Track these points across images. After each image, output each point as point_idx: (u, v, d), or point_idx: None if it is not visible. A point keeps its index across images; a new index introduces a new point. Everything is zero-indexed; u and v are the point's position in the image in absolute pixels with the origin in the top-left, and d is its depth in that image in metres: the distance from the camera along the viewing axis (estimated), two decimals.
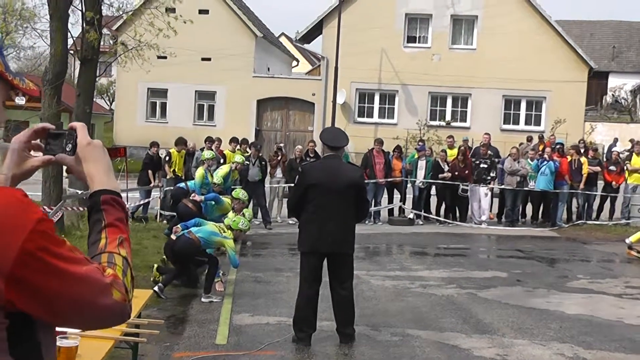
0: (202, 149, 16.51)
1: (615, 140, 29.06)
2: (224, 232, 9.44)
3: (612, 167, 18.11)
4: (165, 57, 21.61)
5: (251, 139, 26.20)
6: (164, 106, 33.96)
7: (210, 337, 7.63)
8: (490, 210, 18.04)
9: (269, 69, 36.03)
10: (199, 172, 12.76)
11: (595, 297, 10.06)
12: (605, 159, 21.06)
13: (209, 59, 32.34)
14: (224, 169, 13.92)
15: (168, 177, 16.44)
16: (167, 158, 16.58)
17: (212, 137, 17.33)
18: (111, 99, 48.13)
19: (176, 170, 16.48)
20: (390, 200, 18.00)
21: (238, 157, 15.44)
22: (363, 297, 9.49)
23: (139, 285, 7.29)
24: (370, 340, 7.63)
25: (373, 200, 17.24)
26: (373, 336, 7.80)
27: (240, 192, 11.23)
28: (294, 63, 45.25)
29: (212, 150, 15.38)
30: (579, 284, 10.92)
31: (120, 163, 16.13)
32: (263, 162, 16.63)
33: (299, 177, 7.65)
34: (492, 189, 17.77)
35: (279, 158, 17.69)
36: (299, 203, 7.48)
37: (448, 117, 32.45)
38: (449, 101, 32.62)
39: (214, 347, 7.27)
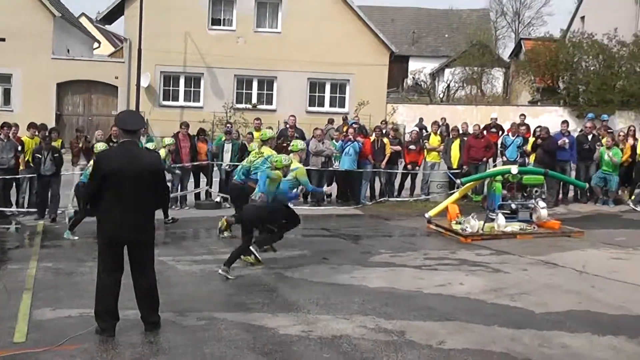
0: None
1: (421, 119, 30.47)
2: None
3: (411, 147, 18.97)
4: None
5: (51, 124, 24.92)
6: None
7: (7, 335, 7.19)
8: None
9: (68, 51, 34.48)
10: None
11: (397, 270, 10.49)
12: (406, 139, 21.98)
13: (3, 40, 30.44)
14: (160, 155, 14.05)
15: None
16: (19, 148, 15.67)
17: (10, 123, 16.27)
18: None
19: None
20: (197, 185, 17.84)
21: (168, 140, 15.96)
22: (169, 283, 9.34)
23: None
24: (176, 326, 7.51)
25: (179, 185, 17.03)
26: (179, 322, 7.68)
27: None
28: (96, 45, 43.57)
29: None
30: (382, 258, 11.35)
31: None
32: (56, 154, 15.51)
33: (94, 165, 7.41)
34: None
35: (80, 145, 16.98)
36: (94, 192, 7.20)
37: (254, 99, 32.66)
38: (255, 84, 32.84)
39: (12, 346, 6.86)
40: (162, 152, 15.37)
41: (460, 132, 19.72)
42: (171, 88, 32.41)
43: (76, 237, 12.94)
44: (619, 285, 9.61)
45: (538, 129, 18.97)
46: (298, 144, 12.26)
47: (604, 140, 18.29)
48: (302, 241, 13.23)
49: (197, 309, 8.21)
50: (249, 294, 8.94)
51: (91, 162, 12.53)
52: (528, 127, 20.62)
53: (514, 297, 8.86)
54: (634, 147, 18.44)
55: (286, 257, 11.38)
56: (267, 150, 12.42)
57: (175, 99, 32.41)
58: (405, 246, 12.56)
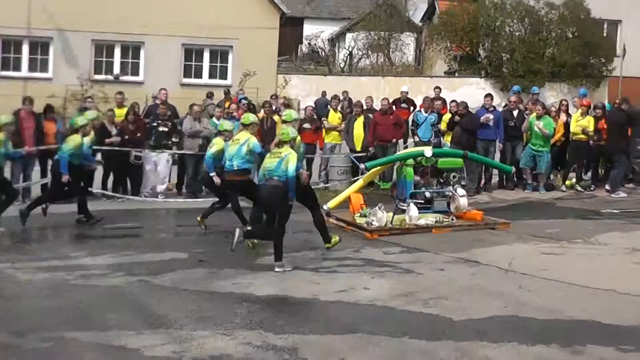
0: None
1: (324, 93, 30.56)
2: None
3: (306, 125, 18.89)
4: None
5: None
6: None
7: None
8: (169, 180, 18.06)
9: None
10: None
11: (289, 274, 10.44)
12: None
13: None
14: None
15: None
16: None
17: None
18: None
19: None
20: (44, 174, 17.24)
21: (5, 118, 14.80)
22: (4, 296, 9.02)
23: None
24: (13, 351, 7.22)
25: (22, 175, 16.45)
26: (17, 345, 7.38)
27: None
28: None
29: None
30: (271, 260, 11.23)
31: None
32: None
33: None
34: (173, 155, 17.80)
35: None
36: None
37: (116, 70, 32.02)
38: (118, 51, 32.25)
39: None
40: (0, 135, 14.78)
41: (365, 107, 19.82)
42: (12, 55, 31.41)
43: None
44: (551, 284, 9.82)
45: (453, 104, 19.23)
46: (291, 113, 12.87)
47: (533, 110, 18.63)
48: (174, 241, 13.06)
49: (42, 327, 7.92)
50: (107, 307, 8.70)
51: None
52: (444, 101, 20.87)
53: (428, 302, 8.92)
54: (566, 125, 18.94)
55: (154, 261, 11.18)
56: (244, 137, 12.98)
57: (17, 68, 31.43)
58: (300, 245, 12.50)
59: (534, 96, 21.37)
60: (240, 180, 12.94)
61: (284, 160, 11.10)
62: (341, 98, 25.87)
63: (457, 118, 18.18)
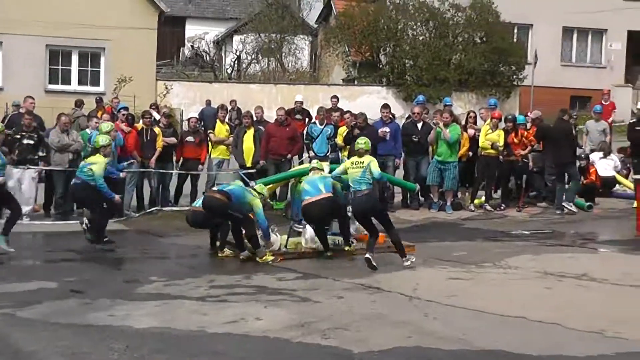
0: None
1: (208, 102, 30.61)
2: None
3: (189, 138, 18.89)
4: None
5: None
6: None
7: None
8: (36, 201, 17.79)
9: None
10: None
11: (173, 304, 10.41)
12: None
13: None
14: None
15: None
16: None
17: None
18: None
19: None
20: None
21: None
22: None
23: None
24: None
25: None
26: None
27: None
28: None
29: None
30: (153, 288, 11.24)
31: None
32: None
33: None
34: (40, 172, 17.52)
35: None
36: None
37: None
38: None
39: None
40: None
41: (255, 119, 19.88)
42: None
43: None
44: (459, 312, 10.06)
45: (347, 116, 19.41)
46: None
47: (440, 119, 18.85)
48: (43, 268, 12.87)
49: None
50: None
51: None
52: (343, 112, 21.04)
53: (326, 333, 9.01)
54: (474, 139, 19.29)
55: (19, 292, 10.99)
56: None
57: None
58: (185, 271, 12.53)
59: (447, 108, 21.65)
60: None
61: (367, 168, 12.95)
62: (229, 108, 25.88)
63: (356, 131, 18.27)
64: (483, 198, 19.47)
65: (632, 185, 19.21)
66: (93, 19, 31.02)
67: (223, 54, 49.41)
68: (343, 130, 18.99)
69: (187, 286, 11.45)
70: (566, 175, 19.16)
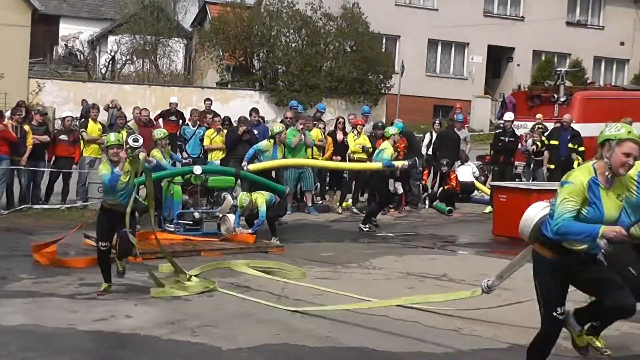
0: None
1: (84, 101, 30.04)
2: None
3: (62, 137, 18.62)
4: None
5: None
6: None
7: None
8: None
9: None
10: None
11: (42, 301, 10.25)
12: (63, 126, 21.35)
13: None
14: None
15: None
16: None
17: None
18: None
19: None
20: None
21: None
22: None
23: None
24: None
25: None
26: None
27: None
28: None
29: None
30: (21, 285, 11.04)
31: None
32: None
33: None
34: None
35: None
36: None
37: None
38: None
39: None
40: None
41: (128, 119, 19.74)
42: None
43: None
44: (325, 311, 10.18)
45: (217, 119, 19.59)
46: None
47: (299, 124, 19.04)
48: None
49: None
50: None
51: None
52: (215, 114, 21.07)
53: (195, 331, 9.04)
54: (343, 143, 19.63)
55: None
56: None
57: None
58: (55, 269, 12.30)
59: (319, 114, 22.19)
60: None
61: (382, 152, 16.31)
62: (111, 106, 25.60)
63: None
64: (350, 201, 19.74)
65: (489, 191, 19.87)
66: None
67: (97, 54, 48.72)
68: (210, 133, 19.21)
69: (57, 284, 11.29)
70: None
